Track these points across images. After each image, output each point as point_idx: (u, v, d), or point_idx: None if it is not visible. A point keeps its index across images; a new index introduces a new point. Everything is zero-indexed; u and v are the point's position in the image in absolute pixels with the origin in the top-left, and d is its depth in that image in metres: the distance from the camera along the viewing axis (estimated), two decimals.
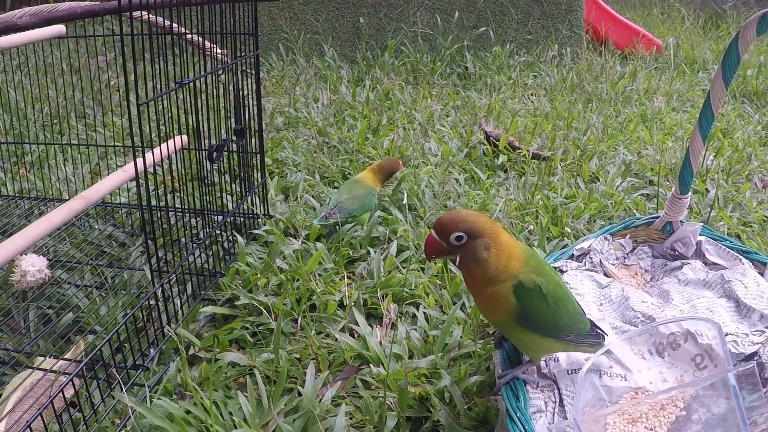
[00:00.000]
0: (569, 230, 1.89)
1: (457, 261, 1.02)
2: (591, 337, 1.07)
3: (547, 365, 1.13)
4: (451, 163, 2.39)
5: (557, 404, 1.05)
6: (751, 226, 2.04)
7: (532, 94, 3.55)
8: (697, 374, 1.09)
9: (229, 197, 1.92)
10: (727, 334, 1.18)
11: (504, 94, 3.47)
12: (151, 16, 1.65)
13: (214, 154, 1.56)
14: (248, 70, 1.78)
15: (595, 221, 2.01)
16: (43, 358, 1.31)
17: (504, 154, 2.49)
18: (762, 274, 1.41)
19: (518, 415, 0.95)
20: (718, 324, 0.98)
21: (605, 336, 1.11)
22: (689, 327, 1.11)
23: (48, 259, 1.61)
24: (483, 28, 4.14)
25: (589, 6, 4.51)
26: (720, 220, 2.02)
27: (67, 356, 1.34)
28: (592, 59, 4.20)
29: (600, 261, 1.48)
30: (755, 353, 1.10)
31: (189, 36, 1.66)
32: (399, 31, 4.10)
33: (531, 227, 1.94)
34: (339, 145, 2.55)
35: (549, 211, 2.02)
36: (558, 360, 1.13)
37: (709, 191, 2.26)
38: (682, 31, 5.23)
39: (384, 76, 3.67)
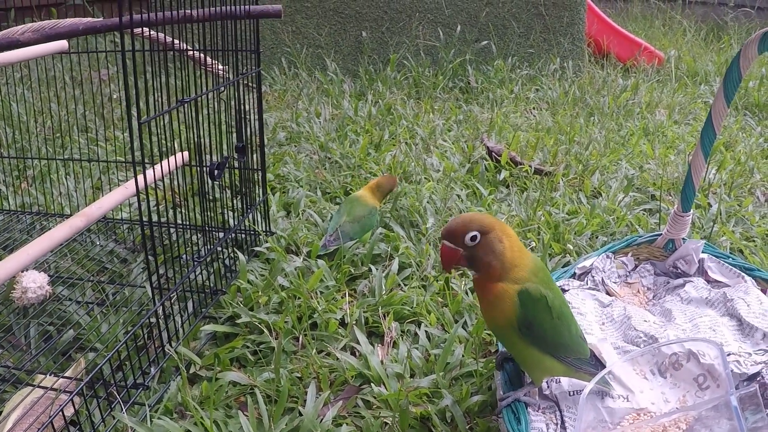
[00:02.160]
0: (571, 247, 1.89)
1: (476, 264, 1.03)
2: (590, 365, 1.07)
3: (548, 387, 1.12)
4: (453, 179, 2.39)
5: (559, 426, 1.05)
6: (754, 241, 2.04)
7: (534, 108, 3.56)
8: (699, 394, 1.09)
9: (231, 213, 1.92)
10: (729, 354, 1.18)
11: (506, 108, 3.47)
12: (152, 32, 1.65)
13: (216, 171, 1.56)
14: (250, 84, 1.78)
15: (597, 237, 2.01)
16: (43, 376, 1.31)
17: (506, 169, 2.48)
18: (765, 291, 1.41)
19: None
20: (720, 345, 0.97)
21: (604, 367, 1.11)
22: (691, 347, 1.11)
23: (49, 275, 1.61)
24: (485, 42, 4.15)
25: (591, 19, 4.52)
26: (723, 236, 2.01)
27: (67, 374, 1.33)
28: (594, 72, 4.20)
29: (602, 279, 1.47)
30: (758, 373, 1.10)
31: (191, 52, 1.67)
32: (401, 45, 4.11)
33: (533, 244, 1.93)
34: (341, 161, 2.55)
35: (551, 228, 2.01)
36: (560, 382, 1.13)
37: (711, 206, 2.26)
38: (683, 43, 5.24)
39: (386, 90, 3.67)
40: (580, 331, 1.09)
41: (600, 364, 1.10)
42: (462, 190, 2.31)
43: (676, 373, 1.12)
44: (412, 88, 3.78)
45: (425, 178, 2.41)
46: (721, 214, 2.17)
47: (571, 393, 1.11)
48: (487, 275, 1.03)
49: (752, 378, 1.09)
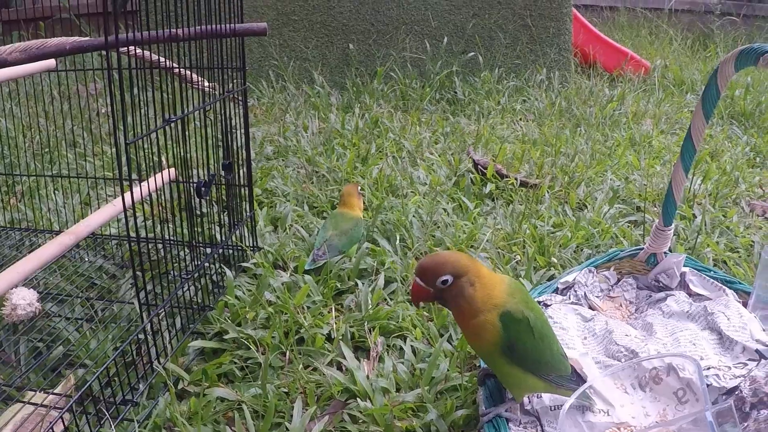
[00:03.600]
0: (555, 260, 1.91)
1: (446, 303, 1.05)
2: (571, 381, 1.09)
3: (530, 402, 1.14)
4: (438, 192, 2.41)
5: None
6: (737, 252, 2.06)
7: (520, 120, 3.58)
8: (679, 408, 1.11)
9: (218, 229, 1.93)
10: (709, 368, 1.20)
11: (493, 119, 3.49)
12: (139, 50, 1.67)
13: (203, 189, 1.57)
14: (237, 97, 1.80)
15: (582, 250, 2.03)
16: (33, 392, 1.32)
17: (492, 182, 2.51)
18: (746, 304, 1.43)
19: None
20: (697, 360, 1.00)
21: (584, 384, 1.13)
22: (671, 361, 1.13)
23: (38, 292, 1.62)
24: (472, 53, 4.17)
25: (577, 29, 4.55)
26: (707, 247, 2.04)
27: (57, 390, 1.34)
28: (581, 82, 4.24)
29: (585, 294, 1.50)
30: (737, 387, 1.12)
31: (177, 70, 1.69)
32: (388, 57, 4.13)
33: (518, 258, 1.95)
34: (328, 175, 2.57)
35: (536, 241, 2.03)
36: (541, 397, 1.15)
37: (696, 217, 2.28)
38: (670, 52, 5.28)
39: (373, 102, 3.69)
40: (561, 349, 1.11)
41: (581, 380, 1.12)
42: (448, 203, 2.33)
43: (657, 387, 1.15)
44: (399, 100, 3.81)
45: (411, 191, 2.43)
46: (705, 225, 2.20)
47: (553, 408, 1.13)
48: (460, 314, 1.05)
49: (731, 392, 1.11)
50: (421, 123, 3.42)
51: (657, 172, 2.74)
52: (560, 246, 2.02)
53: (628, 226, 2.20)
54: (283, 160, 2.80)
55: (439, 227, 2.13)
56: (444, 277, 1.02)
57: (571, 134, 3.24)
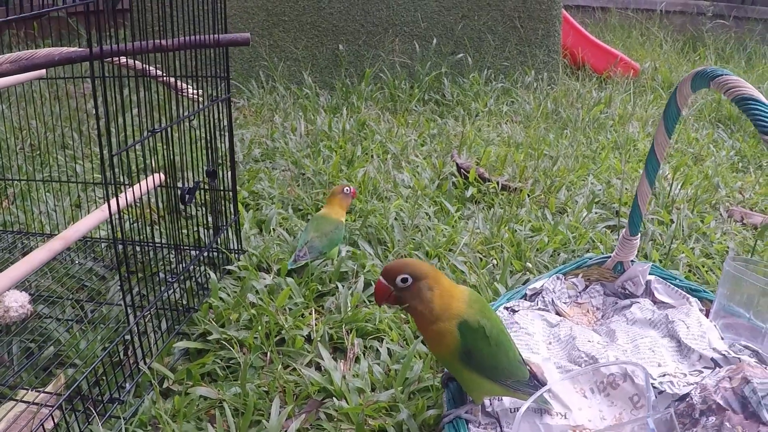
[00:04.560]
0: (530, 265, 1.97)
1: (405, 304, 1.11)
2: (529, 386, 1.16)
3: (491, 404, 1.21)
4: (421, 196, 2.46)
5: None
6: (712, 258, 2.12)
7: (507, 122, 3.63)
8: (634, 412, 1.17)
9: (204, 231, 1.99)
10: (665, 374, 1.26)
11: (480, 122, 3.54)
12: (125, 59, 1.72)
13: (187, 196, 1.63)
14: (220, 96, 1.85)
15: (558, 255, 2.08)
16: (26, 391, 1.38)
17: (474, 186, 2.56)
18: (708, 311, 1.50)
19: None
20: (645, 368, 1.06)
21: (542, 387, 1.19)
22: (627, 368, 1.20)
23: (30, 294, 1.69)
24: (460, 55, 4.22)
25: (567, 31, 4.60)
26: (681, 253, 2.09)
27: (48, 389, 1.40)
28: (569, 84, 4.29)
29: (552, 300, 1.56)
30: (688, 394, 1.18)
31: (163, 78, 1.74)
32: (377, 58, 4.18)
33: (495, 262, 2.01)
34: (314, 178, 2.63)
35: (513, 245, 2.09)
36: (501, 399, 1.21)
37: (673, 222, 2.34)
38: (660, 54, 5.33)
39: (362, 104, 3.74)
40: (519, 355, 1.17)
41: (540, 385, 1.18)
42: (430, 207, 2.38)
43: (614, 392, 1.21)
44: (387, 101, 3.85)
45: (394, 195, 2.49)
46: (682, 231, 2.25)
47: (512, 410, 1.19)
48: (418, 317, 1.11)
49: (683, 398, 1.18)
50: (408, 125, 3.47)
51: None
52: (537, 250, 2.07)
53: (605, 231, 2.25)
54: (270, 162, 2.85)
55: (420, 231, 2.19)
56: (403, 275, 1.09)
57: (556, 137, 3.30)
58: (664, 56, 5.28)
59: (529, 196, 2.52)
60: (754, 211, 2.53)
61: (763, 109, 0.94)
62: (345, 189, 2.12)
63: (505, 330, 1.16)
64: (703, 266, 2.03)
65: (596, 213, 2.38)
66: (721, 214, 2.50)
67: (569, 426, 1.15)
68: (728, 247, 2.18)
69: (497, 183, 2.55)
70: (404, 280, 1.09)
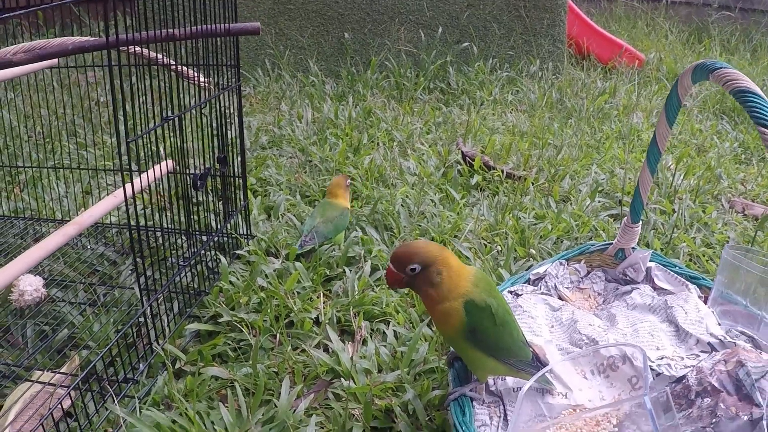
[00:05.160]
0: (534, 251, 2.00)
1: (415, 289, 1.15)
2: (531, 366, 1.19)
3: (494, 383, 1.24)
4: (427, 183, 2.50)
5: (501, 419, 1.17)
6: (713, 248, 2.14)
7: (511, 111, 3.66)
8: (633, 394, 1.21)
9: (214, 217, 2.02)
10: (663, 357, 1.30)
11: (485, 110, 3.57)
12: (138, 48, 1.75)
13: (199, 182, 1.67)
14: (231, 85, 1.88)
15: (562, 242, 2.12)
16: (41, 372, 1.41)
17: (479, 174, 2.59)
18: (708, 299, 1.53)
19: (463, 428, 1.06)
20: (644, 350, 1.09)
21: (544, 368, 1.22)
22: (627, 351, 1.23)
23: (44, 279, 1.72)
24: (466, 44, 4.24)
25: (572, 20, 4.61)
26: (683, 242, 2.12)
27: (63, 370, 1.43)
28: (574, 74, 4.30)
29: (555, 285, 1.59)
30: (684, 376, 1.21)
31: (174, 66, 1.77)
32: (383, 47, 4.20)
33: (499, 248, 2.04)
34: (320, 165, 2.66)
35: (517, 232, 2.13)
36: (505, 379, 1.24)
37: (675, 212, 2.36)
38: (665, 45, 5.33)
39: (367, 92, 3.77)
40: (523, 336, 1.21)
41: (542, 365, 1.22)
42: (436, 194, 2.42)
43: (613, 374, 1.24)
44: (393, 89, 3.88)
45: (400, 181, 2.52)
46: (684, 221, 2.28)
47: (515, 389, 1.23)
48: (427, 299, 1.15)
49: (679, 380, 1.21)
50: (413, 113, 3.49)
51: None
52: (540, 237, 2.11)
53: (608, 220, 2.28)
54: (277, 150, 2.89)
55: (425, 217, 2.23)
56: (413, 266, 1.12)
57: (561, 126, 3.32)
58: (669, 47, 5.29)
59: (533, 184, 2.55)
60: (756, 203, 2.55)
61: (759, 101, 0.97)
62: (347, 181, 2.16)
63: (509, 310, 1.19)
64: (704, 255, 2.06)
65: (599, 202, 2.41)
66: (722, 205, 2.53)
67: (570, 405, 1.19)
68: (729, 238, 2.20)
69: (502, 171, 2.58)
70: (413, 269, 1.13)
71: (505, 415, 1.18)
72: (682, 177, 2.66)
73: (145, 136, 1.43)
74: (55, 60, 1.92)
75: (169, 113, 1.52)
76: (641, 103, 3.84)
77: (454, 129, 3.18)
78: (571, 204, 2.41)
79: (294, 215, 2.22)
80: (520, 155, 2.85)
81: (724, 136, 3.41)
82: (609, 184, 2.60)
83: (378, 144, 2.93)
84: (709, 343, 1.34)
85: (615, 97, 3.91)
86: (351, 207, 2.17)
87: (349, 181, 2.15)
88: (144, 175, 1.55)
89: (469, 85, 3.96)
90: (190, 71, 1.83)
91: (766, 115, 0.95)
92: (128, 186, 1.39)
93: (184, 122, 1.61)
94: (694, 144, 3.18)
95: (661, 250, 2.07)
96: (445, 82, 4.05)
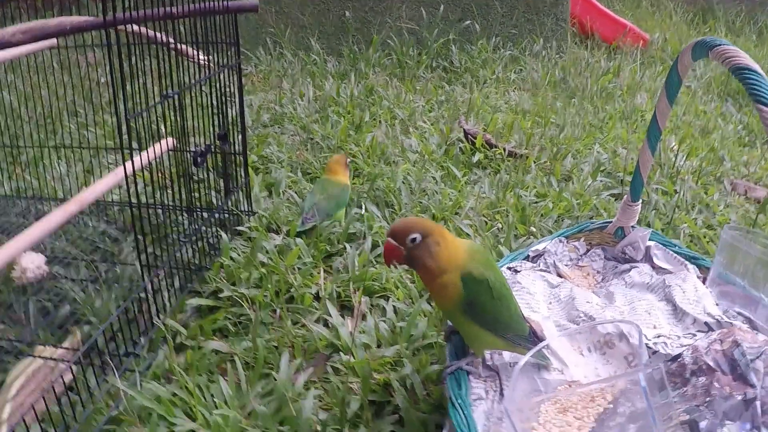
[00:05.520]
0: (534, 229, 2.01)
1: (414, 262, 1.15)
2: (528, 341, 1.20)
3: (491, 358, 1.25)
4: (428, 160, 2.50)
5: (497, 393, 1.18)
6: (714, 229, 2.14)
7: (515, 90, 3.65)
8: (628, 371, 1.22)
9: (215, 194, 2.03)
10: (659, 336, 1.30)
11: (488, 89, 3.57)
12: (136, 27, 1.75)
13: (199, 159, 1.68)
14: (233, 62, 1.88)
15: (563, 220, 2.12)
16: (43, 347, 1.43)
17: (480, 152, 2.60)
18: (705, 279, 1.54)
19: (459, 401, 1.07)
20: (639, 327, 1.10)
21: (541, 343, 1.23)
22: (623, 328, 1.24)
23: (46, 256, 1.74)
24: (468, 22, 4.22)
25: None
26: (684, 223, 2.13)
27: (65, 345, 1.45)
28: (578, 53, 4.29)
29: (554, 262, 1.60)
30: (680, 354, 1.22)
31: (173, 45, 1.78)
32: (384, 25, 4.19)
33: (500, 225, 2.05)
34: (322, 142, 2.67)
35: (518, 210, 2.13)
36: (501, 354, 1.25)
37: (677, 192, 2.37)
38: (670, 25, 5.31)
39: (369, 70, 3.77)
40: (520, 310, 1.21)
41: (539, 341, 1.23)
42: (437, 171, 2.42)
43: (610, 351, 1.25)
44: (395, 68, 3.87)
45: (402, 159, 2.53)
46: (686, 202, 2.28)
47: (512, 364, 1.23)
48: (426, 272, 1.15)
49: (675, 359, 1.22)
50: (416, 91, 3.49)
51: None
52: (541, 216, 2.11)
53: (609, 199, 2.29)
54: (279, 127, 2.89)
55: (427, 194, 2.23)
56: (413, 235, 1.13)
57: (564, 106, 3.32)
58: (674, 27, 5.27)
59: (535, 162, 2.56)
60: (758, 185, 2.56)
61: (758, 78, 0.97)
62: (347, 159, 2.15)
63: (506, 284, 1.20)
64: (704, 237, 2.06)
65: (601, 181, 2.41)
66: (725, 187, 2.53)
67: (565, 381, 1.20)
68: (730, 219, 2.21)
69: (504, 149, 2.58)
70: (413, 240, 1.13)
71: (501, 389, 1.19)
72: (684, 158, 2.66)
73: (144, 114, 1.43)
74: (54, 40, 1.92)
75: (169, 91, 1.52)
76: (645, 83, 3.83)
77: (456, 107, 3.19)
78: (572, 183, 2.41)
79: (295, 192, 2.23)
80: (522, 134, 2.85)
81: (728, 118, 3.41)
82: (611, 164, 2.60)
83: (380, 122, 2.93)
84: (705, 323, 1.35)
85: (619, 76, 3.91)
86: (352, 184, 2.17)
87: (349, 159, 2.15)
88: (144, 153, 1.56)
89: (472, 63, 3.95)
90: (190, 49, 1.83)
91: (764, 93, 0.96)
92: (128, 164, 1.39)
93: (183, 100, 1.61)
94: (698, 125, 3.17)
95: (662, 230, 2.08)
96: (447, 60, 4.04)
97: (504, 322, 1.17)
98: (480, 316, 1.15)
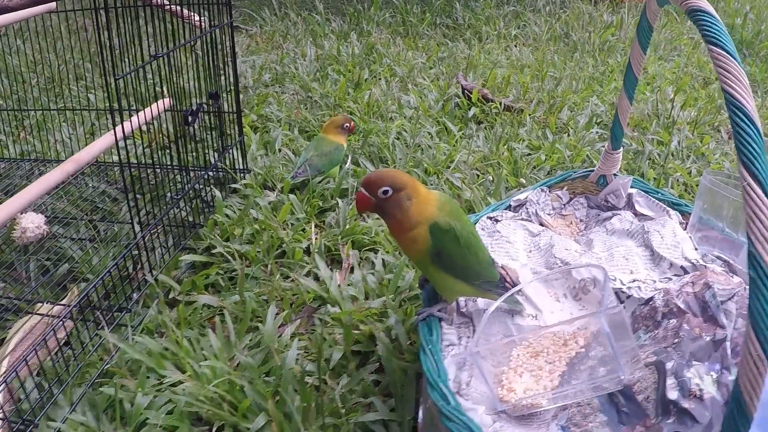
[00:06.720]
0: (524, 181, 2.03)
1: (384, 214, 1.19)
2: (499, 287, 1.23)
3: (465, 305, 1.29)
4: (423, 116, 2.52)
5: (470, 339, 1.22)
6: None
7: (516, 45, 3.65)
8: (592, 312, 1.25)
9: (212, 153, 2.07)
10: (635, 280, 1.33)
11: (490, 45, 3.57)
12: None
13: (189, 118, 1.71)
14: (224, 21, 1.91)
15: (555, 172, 2.15)
16: (41, 304, 1.48)
17: (476, 106, 2.61)
18: (685, 225, 1.56)
19: (429, 347, 1.11)
20: (605, 269, 1.13)
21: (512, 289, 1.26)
22: (596, 274, 1.27)
23: (46, 216, 1.79)
24: None
25: None
26: (677, 172, 2.15)
27: (63, 302, 1.50)
28: (582, 7, 4.27)
29: (535, 211, 1.63)
30: (651, 298, 1.25)
31: (167, 6, 1.80)
32: None
33: (491, 178, 2.08)
34: (320, 100, 2.69)
35: (511, 163, 2.15)
36: (476, 301, 1.29)
37: (672, 141, 2.38)
38: None
39: (372, 29, 3.77)
40: (489, 257, 1.25)
41: (511, 287, 1.26)
42: (433, 127, 2.45)
43: (585, 297, 1.29)
44: (399, 25, 3.88)
45: (398, 115, 2.55)
46: (681, 152, 2.29)
47: (485, 311, 1.27)
48: (395, 224, 1.18)
49: (647, 302, 1.25)
50: (417, 48, 3.50)
51: (646, 97, 2.82)
52: (534, 168, 2.14)
53: (602, 150, 2.29)
54: (279, 87, 2.92)
55: (421, 149, 2.26)
56: (384, 188, 1.15)
57: (564, 60, 3.32)
58: None
59: (530, 116, 2.57)
60: None
61: (711, 20, 0.99)
62: (345, 124, 2.16)
63: (475, 232, 1.23)
64: (698, 185, 2.07)
65: (596, 132, 2.43)
66: (722, 136, 2.54)
67: (539, 327, 1.23)
68: (723, 167, 2.22)
69: (500, 103, 2.59)
70: (385, 192, 1.16)
71: (474, 335, 1.23)
72: (680, 108, 2.66)
73: (140, 71, 1.47)
74: (53, 4, 1.95)
75: (159, 52, 1.55)
76: None
77: (456, 64, 3.19)
78: (568, 135, 2.42)
79: (292, 150, 2.26)
80: (519, 88, 2.86)
81: None
82: (608, 116, 2.61)
83: (379, 79, 2.95)
84: (681, 267, 1.38)
85: (621, 29, 3.89)
86: (348, 139, 2.20)
87: (347, 123, 2.16)
88: (143, 113, 1.59)
89: (475, 20, 3.95)
90: (184, 10, 1.86)
91: (716, 34, 0.97)
92: (121, 124, 1.43)
93: (174, 60, 1.64)
94: (700, 76, 3.17)
95: (655, 179, 2.10)
96: (452, 17, 4.03)
97: (473, 269, 1.20)
98: (449, 265, 1.18)
